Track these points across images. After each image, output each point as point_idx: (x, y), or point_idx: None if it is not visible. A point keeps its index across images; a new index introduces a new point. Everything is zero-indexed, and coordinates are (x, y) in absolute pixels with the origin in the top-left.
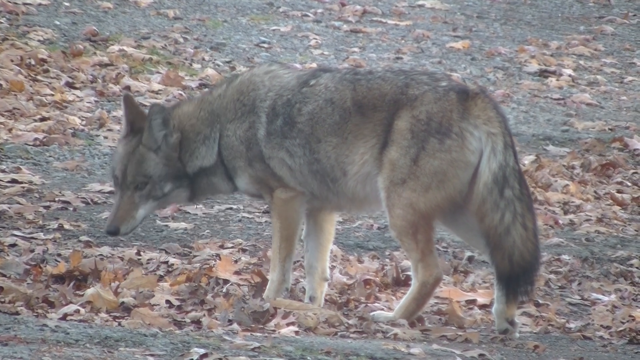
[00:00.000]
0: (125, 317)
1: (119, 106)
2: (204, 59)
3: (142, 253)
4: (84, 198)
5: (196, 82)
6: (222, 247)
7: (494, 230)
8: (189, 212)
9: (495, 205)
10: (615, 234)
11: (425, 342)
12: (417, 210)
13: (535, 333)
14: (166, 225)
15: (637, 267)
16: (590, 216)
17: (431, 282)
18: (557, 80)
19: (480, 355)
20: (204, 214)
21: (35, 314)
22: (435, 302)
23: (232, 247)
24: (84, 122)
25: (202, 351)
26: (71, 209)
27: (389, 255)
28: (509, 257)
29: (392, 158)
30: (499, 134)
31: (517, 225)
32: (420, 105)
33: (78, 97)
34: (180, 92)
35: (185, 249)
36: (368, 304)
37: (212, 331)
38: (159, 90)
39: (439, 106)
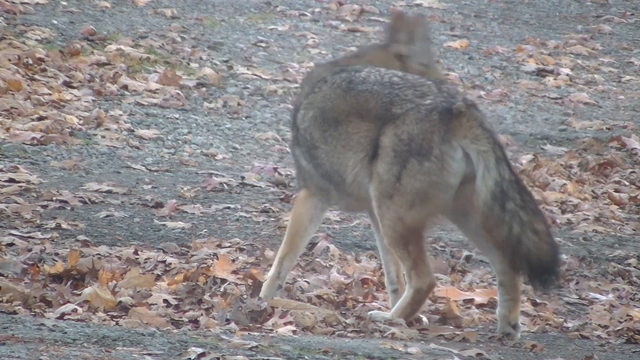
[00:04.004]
0: (123, 317)
1: (117, 105)
2: (201, 58)
3: (139, 252)
4: (81, 197)
5: (194, 81)
6: (219, 246)
7: (506, 242)
8: (186, 212)
9: (500, 220)
10: (613, 233)
11: (422, 342)
12: (405, 224)
13: (532, 332)
14: (164, 225)
15: (634, 267)
16: (588, 215)
17: (425, 289)
18: (555, 79)
19: (478, 354)
20: (201, 213)
21: (33, 313)
22: (432, 302)
23: (229, 247)
24: (81, 122)
25: (199, 350)
26: (69, 208)
27: None
28: (527, 261)
29: (379, 171)
30: (489, 151)
31: (527, 233)
32: (403, 124)
33: (75, 96)
34: (177, 91)
35: (183, 248)
36: (366, 304)
37: (209, 330)
38: (157, 89)
39: (420, 127)
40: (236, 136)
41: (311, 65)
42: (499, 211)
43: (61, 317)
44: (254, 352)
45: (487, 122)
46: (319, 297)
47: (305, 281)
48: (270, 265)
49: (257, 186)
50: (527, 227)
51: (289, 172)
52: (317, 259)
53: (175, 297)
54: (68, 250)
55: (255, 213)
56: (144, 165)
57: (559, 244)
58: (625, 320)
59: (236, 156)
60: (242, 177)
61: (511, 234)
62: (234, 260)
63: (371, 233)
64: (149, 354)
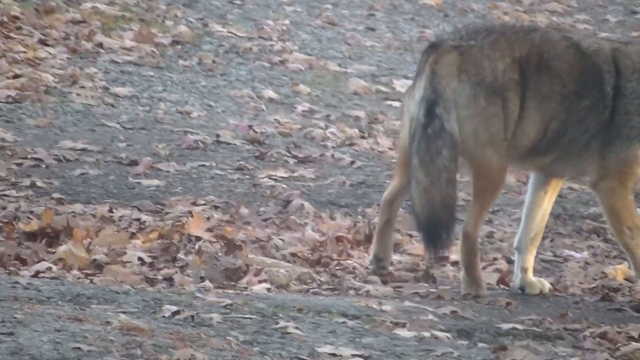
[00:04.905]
0: (97, 275)
1: (92, 63)
2: (176, 16)
3: (114, 210)
4: (56, 155)
5: (169, 39)
6: (194, 204)
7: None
8: (161, 170)
9: (408, 162)
10: (588, 190)
11: (397, 299)
12: None
13: (507, 290)
14: (138, 183)
15: None
16: None
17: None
18: None
19: (452, 312)
20: (176, 171)
21: (7, 272)
22: (407, 260)
23: (204, 204)
24: (56, 80)
25: (174, 308)
26: (43, 166)
27: (361, 212)
28: (414, 210)
29: None
30: (421, 87)
31: (411, 180)
32: None
33: (51, 54)
34: (152, 49)
35: (158, 206)
36: (340, 261)
37: (184, 288)
38: (132, 47)
39: (421, 57)
40: (211, 94)
41: (286, 23)
42: (408, 151)
43: (35, 275)
44: (229, 310)
45: (439, 65)
46: (293, 254)
47: (279, 239)
48: (245, 223)
49: (232, 144)
50: (413, 173)
51: (263, 130)
52: (292, 217)
53: (149, 255)
54: (43, 208)
55: (230, 171)
56: (118, 123)
57: (442, 211)
58: (599, 278)
59: (211, 114)
60: (217, 135)
61: (407, 175)
62: (208, 218)
63: (346, 191)
64: (124, 312)
